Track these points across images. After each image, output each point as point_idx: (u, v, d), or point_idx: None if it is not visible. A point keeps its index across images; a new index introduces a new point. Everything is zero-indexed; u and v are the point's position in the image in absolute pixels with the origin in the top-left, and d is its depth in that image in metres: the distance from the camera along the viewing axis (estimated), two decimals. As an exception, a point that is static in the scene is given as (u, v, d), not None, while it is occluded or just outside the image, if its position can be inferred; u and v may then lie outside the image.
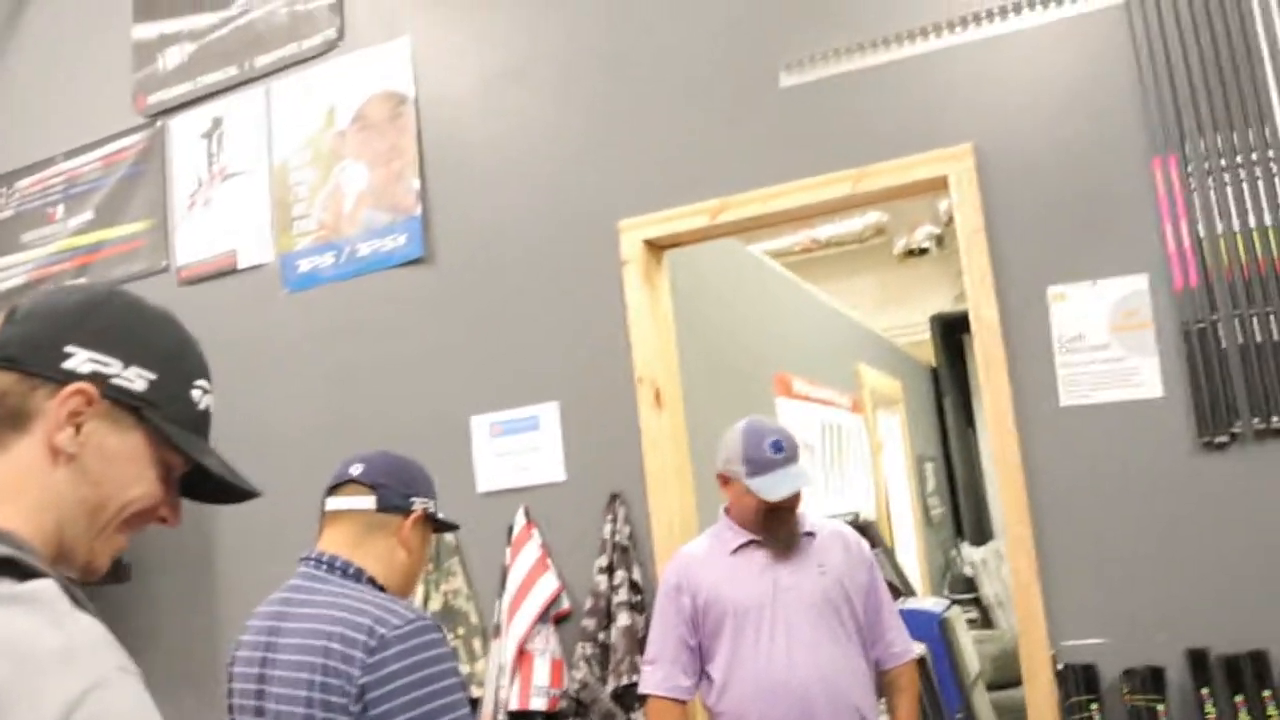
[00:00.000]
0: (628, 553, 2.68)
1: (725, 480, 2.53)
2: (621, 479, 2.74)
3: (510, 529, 2.81)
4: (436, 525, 1.90)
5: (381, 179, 3.19)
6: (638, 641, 2.61)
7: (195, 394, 1.08)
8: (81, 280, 3.71)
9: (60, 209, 3.83)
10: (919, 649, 2.64)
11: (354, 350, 3.17)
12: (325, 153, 3.30)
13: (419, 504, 1.83)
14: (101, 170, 3.74)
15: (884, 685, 2.57)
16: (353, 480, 1.85)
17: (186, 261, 3.51)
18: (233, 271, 3.41)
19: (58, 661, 0.83)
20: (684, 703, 2.50)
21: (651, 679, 2.48)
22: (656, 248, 2.87)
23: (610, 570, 2.67)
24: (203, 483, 1.10)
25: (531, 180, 2.97)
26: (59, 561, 0.99)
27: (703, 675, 2.55)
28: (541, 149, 2.97)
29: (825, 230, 7.05)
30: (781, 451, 2.47)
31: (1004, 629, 5.22)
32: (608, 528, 2.70)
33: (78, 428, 0.99)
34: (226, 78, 3.51)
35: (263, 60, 3.44)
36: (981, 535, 6.91)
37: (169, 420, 1.04)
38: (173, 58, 3.63)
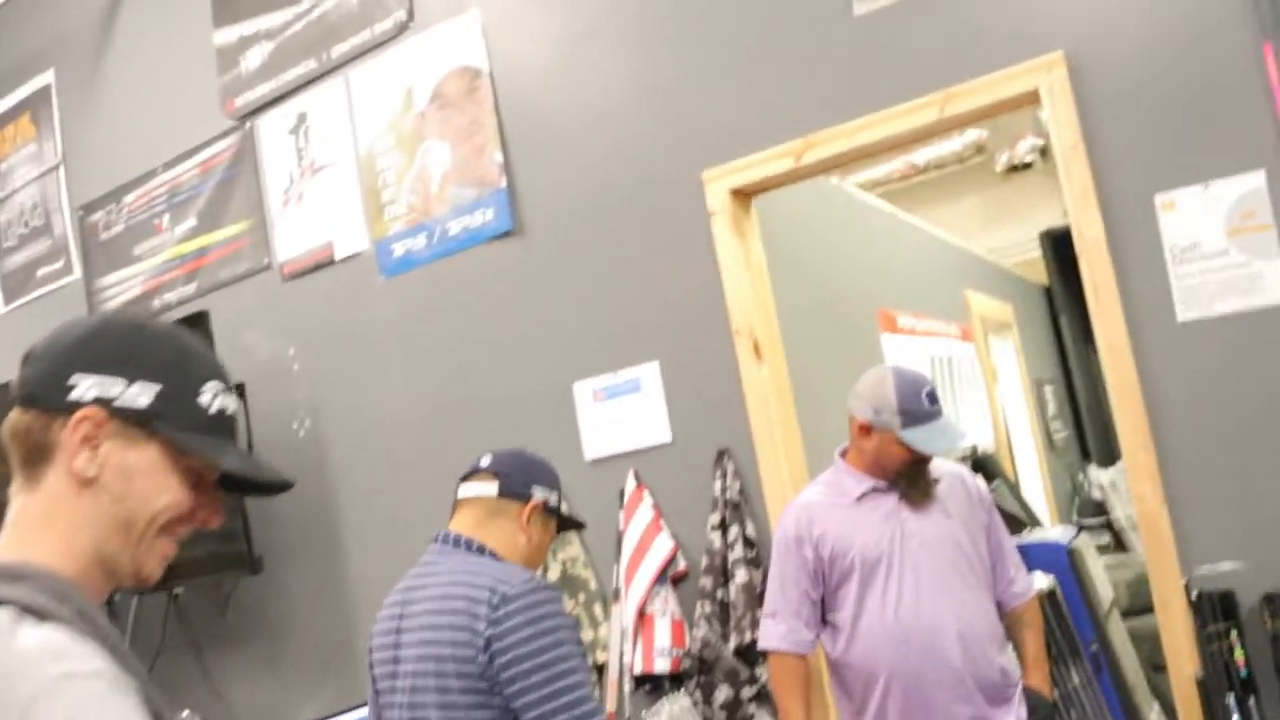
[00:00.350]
0: (740, 509, 2.67)
1: (867, 430, 2.46)
2: (728, 434, 2.72)
3: (622, 493, 2.83)
4: (561, 522, 2.04)
5: (464, 155, 3.20)
6: (756, 597, 2.60)
7: (204, 398, 1.11)
8: (191, 286, 3.84)
9: (166, 218, 3.96)
10: (1044, 582, 2.58)
11: (454, 329, 3.21)
12: (407, 135, 3.33)
13: (538, 493, 1.97)
14: (200, 177, 3.85)
15: (1009, 624, 2.52)
16: (481, 470, 2.02)
17: (287, 257, 3.59)
18: (331, 263, 3.48)
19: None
20: (806, 656, 2.49)
21: (774, 633, 2.47)
22: (743, 195, 2.82)
23: (724, 527, 2.66)
24: (240, 479, 1.14)
25: (612, 140, 2.95)
26: (106, 576, 1.06)
27: (824, 625, 2.53)
28: (618, 108, 2.94)
29: (923, 154, 6.84)
30: (936, 403, 2.43)
31: (1138, 552, 5.05)
32: (718, 485, 2.69)
33: (95, 451, 1.05)
34: (306, 71, 3.56)
35: (339, 49, 3.48)
36: (1109, 456, 6.66)
37: (180, 428, 1.08)
38: (254, 58, 3.70)
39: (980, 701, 2.37)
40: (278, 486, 1.18)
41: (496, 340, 3.12)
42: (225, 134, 3.78)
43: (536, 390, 3.00)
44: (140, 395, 1.07)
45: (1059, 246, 6.98)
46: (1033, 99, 2.45)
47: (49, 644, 0.92)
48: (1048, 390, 7.00)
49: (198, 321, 3.44)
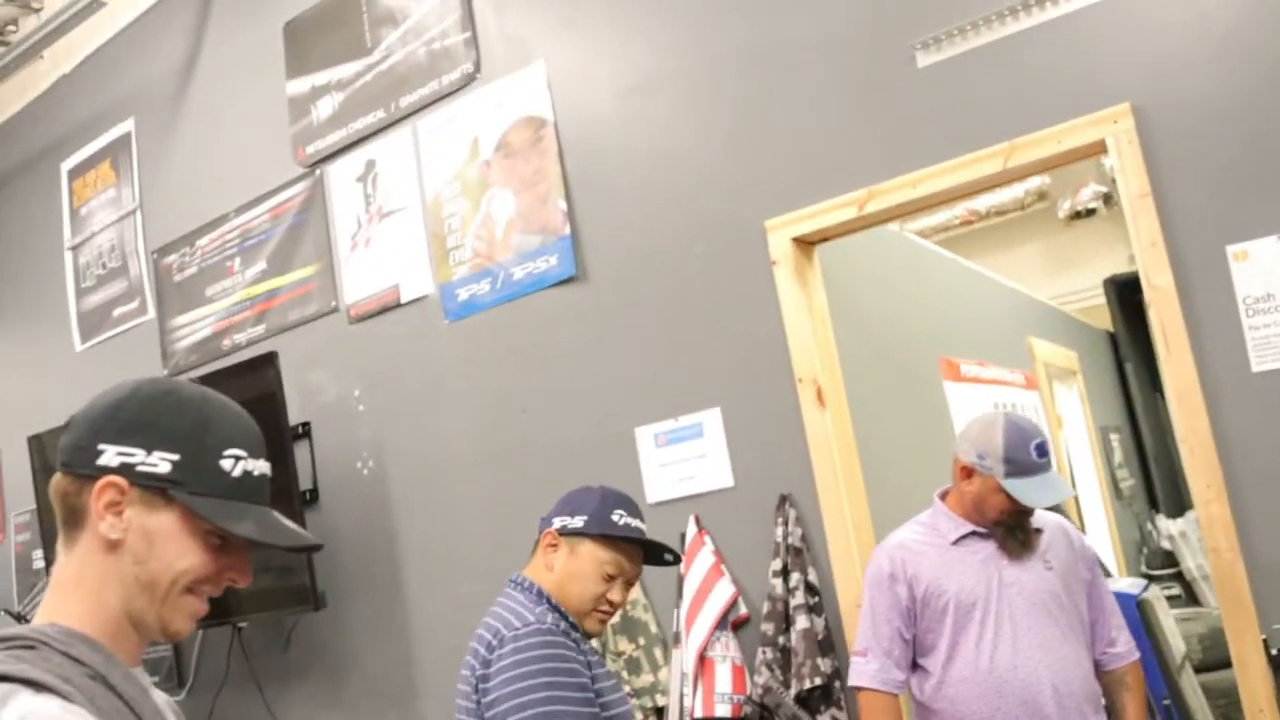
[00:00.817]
0: (801, 555, 2.65)
1: (969, 473, 2.43)
2: (790, 480, 2.72)
3: (683, 537, 2.83)
4: (617, 542, 2.06)
5: (529, 203, 3.26)
6: (818, 644, 2.58)
7: (226, 463, 1.16)
8: (260, 327, 3.93)
9: (237, 261, 4.06)
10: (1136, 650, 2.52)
11: (516, 372, 3.25)
12: (473, 183, 3.39)
13: (556, 522, 2.08)
14: (270, 222, 3.96)
15: (1107, 685, 2.44)
16: None
17: (354, 299, 3.67)
18: (397, 305, 3.55)
19: None
20: (897, 696, 2.44)
21: (865, 671, 2.41)
22: (806, 244, 2.83)
23: (785, 573, 2.65)
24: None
25: (675, 189, 2.98)
26: (137, 631, 1.14)
27: (914, 669, 2.50)
28: (681, 156, 2.98)
29: (984, 200, 6.82)
30: (1045, 456, 2.40)
31: (1210, 605, 4.92)
32: (779, 530, 2.68)
33: (119, 516, 1.12)
34: (375, 120, 3.66)
35: (407, 100, 3.57)
36: (1178, 506, 6.52)
37: (199, 494, 1.14)
38: (325, 108, 3.81)
39: None
40: (306, 548, 1.24)
41: (559, 384, 3.15)
42: (296, 180, 3.88)
43: (599, 434, 3.02)
44: (159, 464, 1.13)
45: (1124, 293, 6.89)
46: (1098, 149, 2.45)
47: (36, 715, 0.97)
48: (1114, 438, 6.88)
49: (267, 362, 3.52)
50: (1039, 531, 2.44)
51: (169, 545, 1.13)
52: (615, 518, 2.03)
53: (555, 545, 2.05)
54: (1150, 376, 7.02)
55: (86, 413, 1.17)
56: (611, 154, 3.11)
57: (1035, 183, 6.76)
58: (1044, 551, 2.42)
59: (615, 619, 2.25)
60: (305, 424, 3.70)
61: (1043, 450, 2.39)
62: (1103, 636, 2.46)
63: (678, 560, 2.18)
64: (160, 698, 1.17)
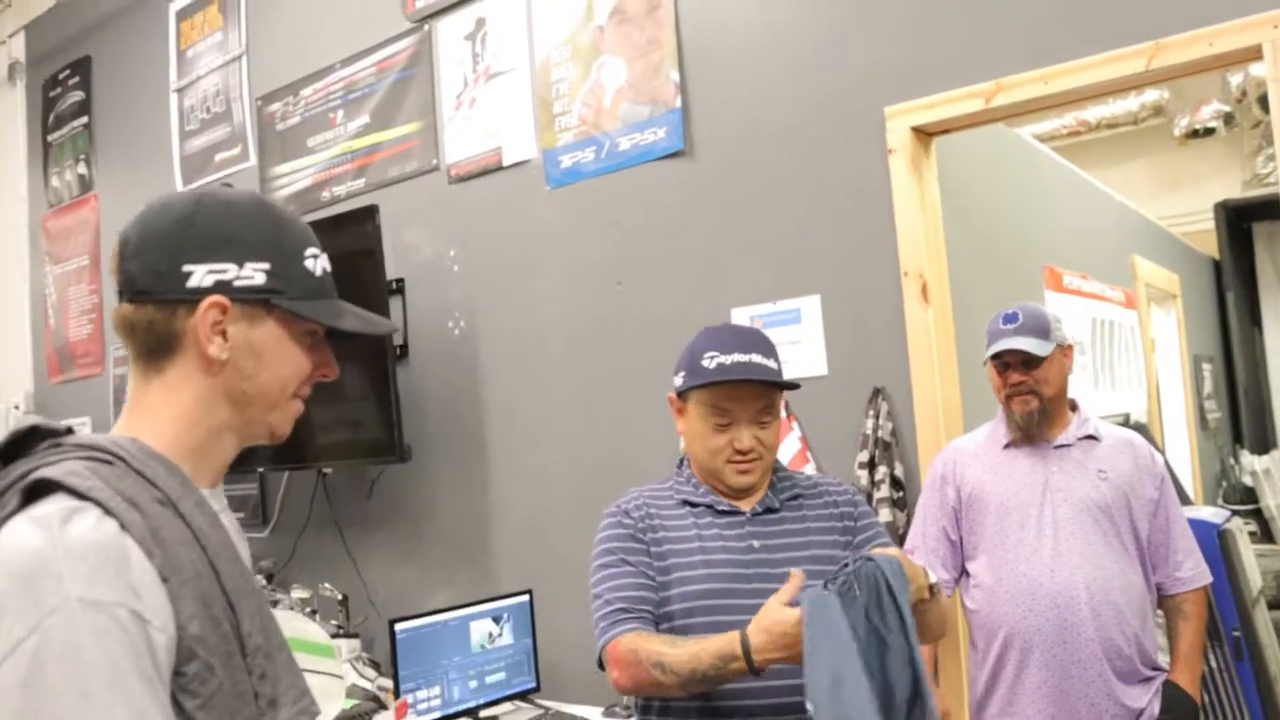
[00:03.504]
0: (890, 448, 2.64)
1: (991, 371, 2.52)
2: (885, 373, 2.69)
3: (770, 422, 2.83)
4: (716, 387, 1.84)
5: (640, 72, 3.19)
6: (899, 537, 2.59)
7: (309, 264, 1.14)
8: (360, 181, 3.95)
9: (340, 114, 4.06)
10: (1209, 578, 2.47)
11: (615, 244, 3.23)
12: (584, 48, 3.33)
13: (676, 383, 1.90)
14: (375, 75, 3.94)
15: (1167, 610, 2.44)
16: None
17: (455, 159, 3.66)
18: (499, 168, 3.53)
19: (23, 583, 0.91)
20: None
21: None
22: (925, 135, 2.74)
23: (872, 465, 2.64)
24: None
25: (793, 68, 2.90)
26: (237, 442, 1.15)
27: (963, 573, 2.52)
28: (803, 35, 2.88)
29: (1096, 111, 6.56)
30: (1013, 321, 2.45)
31: (1290, 542, 4.85)
32: (870, 423, 2.67)
33: (224, 335, 1.09)
34: (488, -22, 3.59)
35: (522, -41, 3.49)
36: (1264, 443, 6.38)
37: (296, 298, 1.12)
38: (437, -39, 3.74)
39: (1107, 672, 2.31)
40: (387, 331, 1.25)
41: (658, 260, 3.13)
42: (403, 35, 3.84)
43: (694, 313, 3.00)
44: (254, 275, 1.10)
45: (1233, 219, 6.64)
46: (1254, 54, 2.31)
47: (91, 551, 0.94)
48: (1205, 368, 6.71)
49: (367, 216, 3.54)
50: (1092, 439, 2.43)
51: (277, 354, 1.13)
52: (705, 362, 1.81)
53: (678, 409, 1.92)
54: (1251, 309, 6.81)
55: (151, 234, 1.11)
56: (729, 27, 3.02)
57: (1153, 96, 6.48)
58: (1101, 462, 2.41)
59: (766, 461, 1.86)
60: (400, 280, 3.74)
61: (1010, 318, 2.47)
62: (1167, 558, 2.42)
63: (793, 386, 1.88)
64: (229, 521, 1.16)
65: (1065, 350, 2.51)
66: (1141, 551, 2.40)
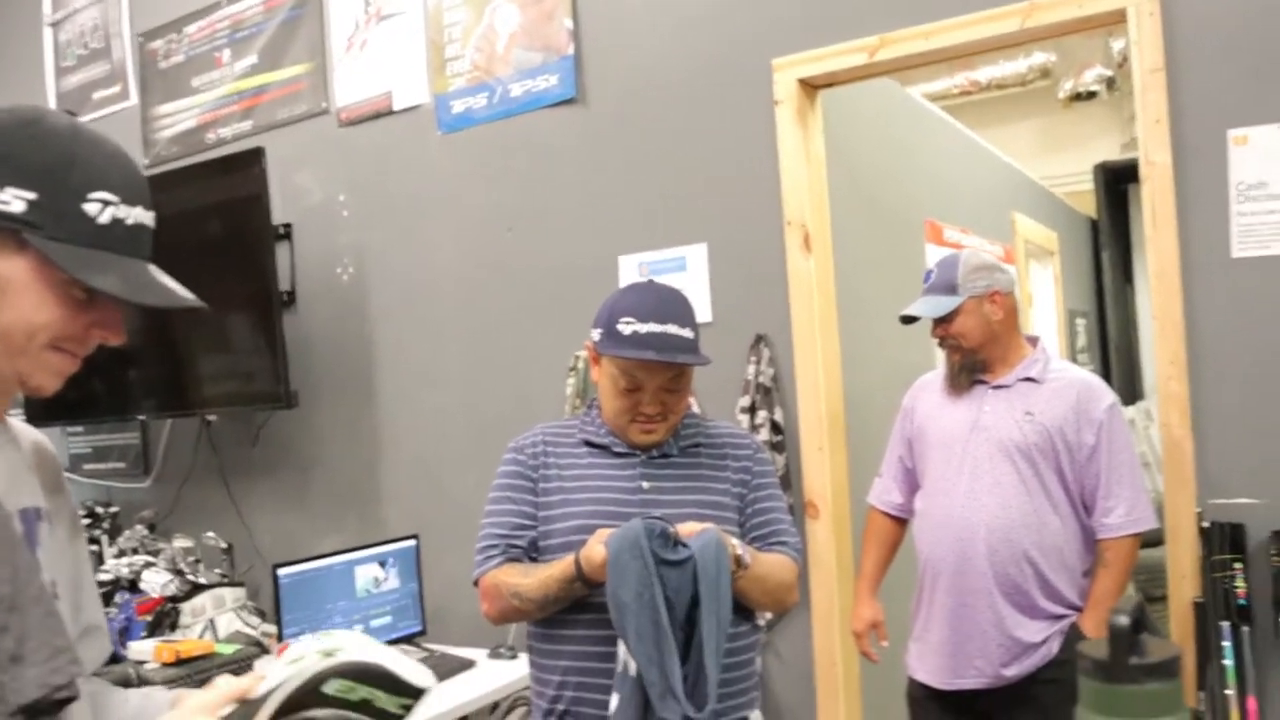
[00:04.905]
0: (770, 394, 2.72)
1: None
2: (767, 321, 2.76)
3: (656, 368, 2.88)
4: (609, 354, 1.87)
5: (533, 18, 3.18)
6: (780, 480, 2.67)
7: (91, 207, 1.01)
8: (247, 123, 3.85)
9: (226, 53, 3.95)
10: (1146, 525, 2.46)
11: (505, 191, 3.23)
12: (477, -8, 3.30)
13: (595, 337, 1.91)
14: (264, 14, 3.83)
15: (1096, 555, 2.47)
16: None
17: (346, 103, 3.60)
18: (389, 113, 3.49)
19: None
20: (894, 518, 2.71)
21: (873, 490, 2.75)
22: (811, 87, 2.80)
23: (752, 410, 2.72)
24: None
25: (685, 18, 2.92)
26: None
27: None
28: (693, -15, 2.91)
29: (986, 72, 6.72)
30: (927, 280, 2.59)
31: (1149, 489, 5.13)
32: (751, 369, 2.74)
33: None
34: (379, -84, 3.51)
35: (415, -102, 3.43)
36: (1132, 394, 6.70)
37: (58, 240, 0.99)
38: (327, -103, 3.65)
39: (999, 604, 2.41)
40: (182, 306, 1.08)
41: (547, 206, 3.14)
42: (293, -28, 3.74)
43: (582, 259, 3.03)
44: (12, 201, 0.98)
45: (1112, 181, 6.89)
46: (1118, 18, 2.41)
47: None
48: (1080, 323, 6.99)
49: (253, 159, 3.46)
50: (1032, 380, 2.50)
51: (23, 296, 1.00)
52: (622, 327, 1.81)
53: (593, 358, 1.92)
54: (1124, 266, 7.10)
55: None
56: (622, -25, 3.03)
57: (1040, 59, 6.66)
58: (1037, 403, 2.47)
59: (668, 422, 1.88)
60: (287, 225, 3.68)
61: (926, 276, 2.61)
62: (1097, 505, 2.43)
63: (705, 362, 1.86)
64: (28, 442, 1.08)
65: (987, 298, 2.53)
66: (1070, 495, 2.44)
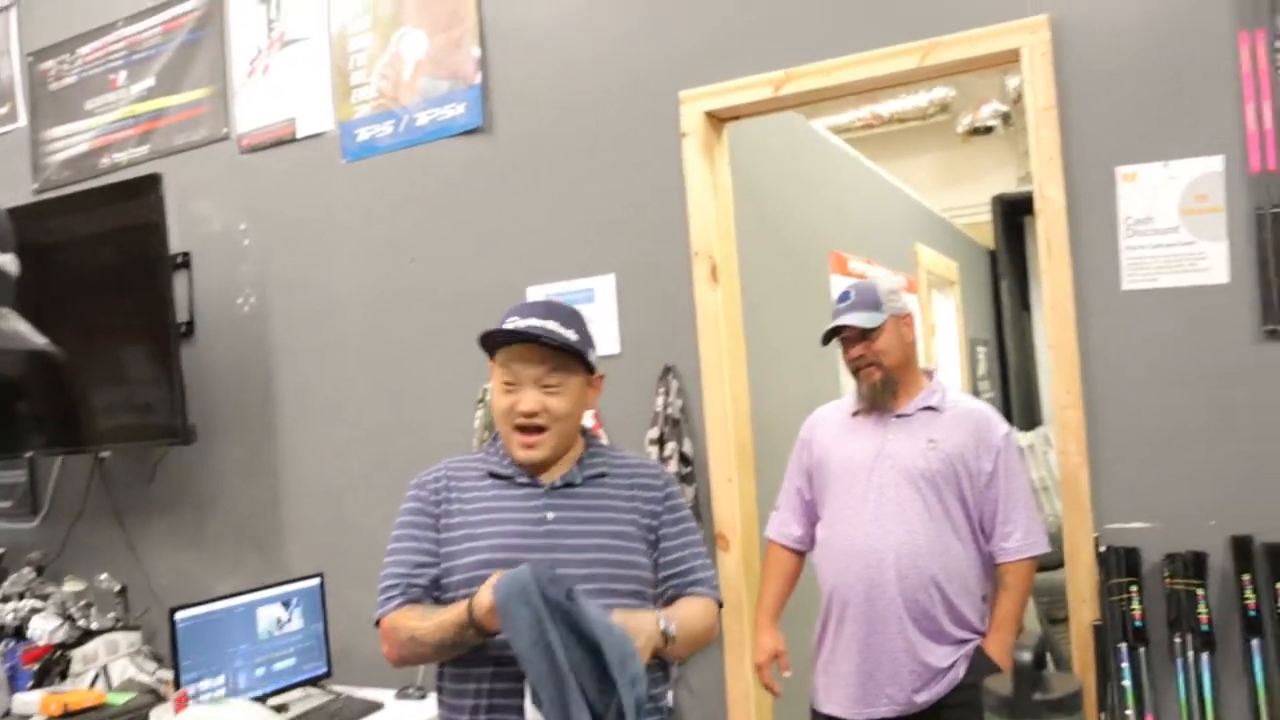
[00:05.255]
0: (679, 425, 2.72)
1: None
2: (675, 352, 2.77)
3: (565, 400, 2.86)
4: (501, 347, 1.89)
5: (440, 46, 3.16)
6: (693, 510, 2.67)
7: None
8: (144, 148, 3.75)
9: (122, 75, 3.84)
10: (1041, 549, 2.52)
11: (411, 219, 3.19)
12: (384, 19, 3.27)
13: None
14: (162, 36, 3.74)
15: (995, 579, 2.52)
16: None
17: (247, 129, 3.52)
18: (292, 140, 3.42)
19: None
20: (794, 551, 2.69)
21: (770, 524, 2.73)
22: (717, 120, 2.83)
23: (661, 442, 2.72)
24: None
25: (592, 50, 2.93)
26: None
27: None
28: (602, 18, 2.92)
29: (888, 106, 6.89)
30: (845, 300, 2.59)
31: (1046, 513, 5.26)
32: (660, 400, 2.74)
33: None
34: (283, -61, 3.46)
35: (318, -79, 3.38)
36: (1030, 420, 6.89)
37: None
38: (228, -82, 3.58)
39: (909, 631, 2.43)
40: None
41: (454, 236, 3.11)
42: (192, -6, 3.66)
43: (489, 289, 3.00)
44: None
45: (1009, 213, 7.11)
46: (1012, 58, 2.49)
47: None
48: (980, 350, 7.18)
49: (149, 185, 3.36)
50: (933, 409, 2.55)
51: None
52: (505, 324, 1.85)
53: (492, 372, 1.92)
54: (1022, 295, 7.31)
55: None
56: (531, 5, 3.02)
57: (940, 94, 6.85)
58: (938, 430, 2.52)
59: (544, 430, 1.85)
60: (186, 254, 3.58)
61: (843, 296, 2.62)
62: (995, 530, 2.49)
63: (573, 350, 1.84)
64: None
65: (902, 319, 2.60)
66: (971, 521, 2.49)
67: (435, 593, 1.84)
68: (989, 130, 6.86)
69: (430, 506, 1.89)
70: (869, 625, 2.46)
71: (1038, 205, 2.44)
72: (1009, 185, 7.15)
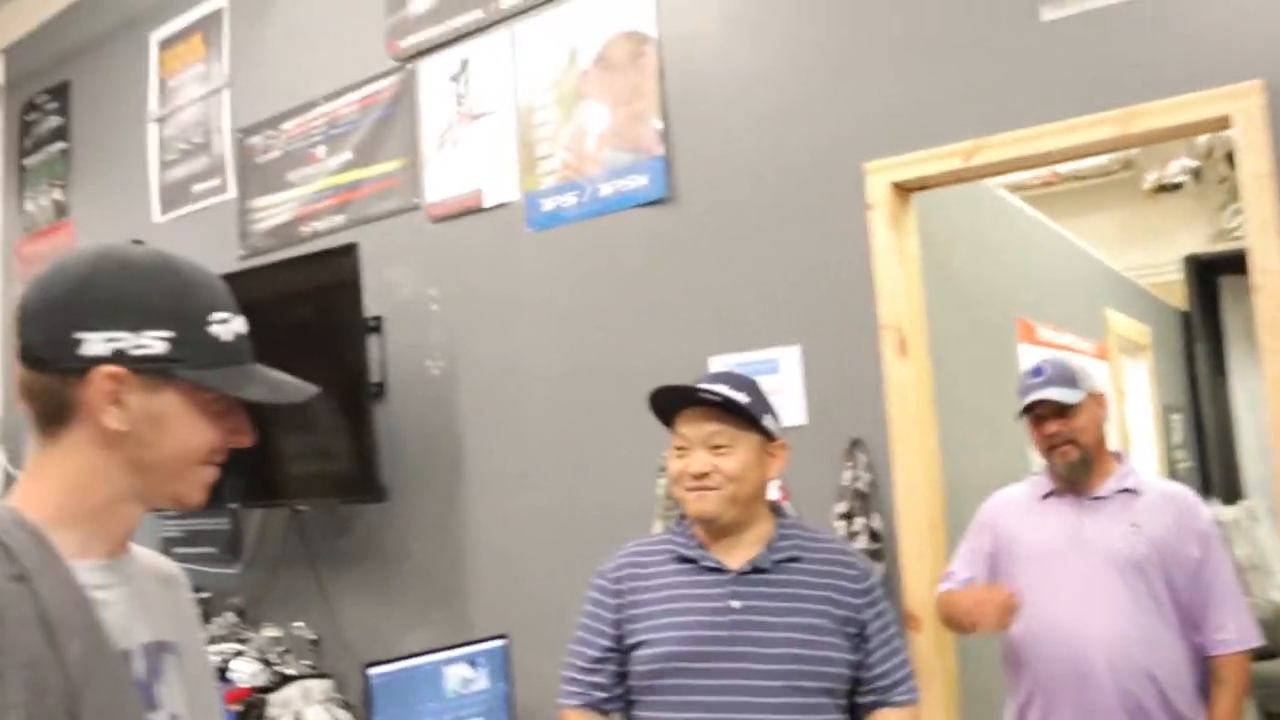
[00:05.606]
0: (867, 500, 2.66)
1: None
2: (863, 425, 2.71)
3: (747, 470, 2.84)
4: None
5: (623, 119, 3.23)
6: (879, 592, 2.60)
7: (214, 329, 1.09)
8: (340, 217, 3.95)
9: (322, 149, 4.07)
10: (1257, 641, 2.39)
11: (596, 290, 3.25)
12: (568, 93, 3.36)
13: None
14: (359, 112, 3.95)
15: (1209, 673, 2.38)
16: None
17: (436, 199, 3.67)
18: (479, 210, 3.55)
19: None
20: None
21: (944, 583, 2.58)
22: (904, 190, 2.78)
23: (849, 517, 2.66)
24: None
25: (776, 120, 2.94)
26: (137, 511, 1.09)
27: None
28: (787, 87, 2.93)
29: (1069, 164, 6.67)
30: (1039, 375, 2.50)
31: (1257, 595, 4.90)
32: (847, 474, 2.69)
33: (121, 405, 1.04)
34: (473, 20, 3.61)
35: (507, 2, 3.52)
36: (1232, 493, 6.46)
37: (199, 367, 1.07)
38: (421, 2, 3.77)
39: None
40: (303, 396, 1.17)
41: (638, 306, 3.15)
42: (387, 73, 3.86)
43: (673, 360, 3.02)
44: (153, 344, 1.05)
45: (1202, 272, 6.75)
46: (1221, 124, 2.37)
47: None
48: (1175, 418, 6.80)
49: (347, 252, 3.54)
50: (1131, 492, 2.44)
51: (178, 424, 1.07)
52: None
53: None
54: (1217, 360, 6.90)
55: (45, 298, 1.05)
56: (712, 78, 3.06)
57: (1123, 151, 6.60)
58: (1139, 515, 2.40)
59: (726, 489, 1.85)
60: (378, 318, 3.74)
61: (1036, 371, 2.52)
62: (1207, 620, 2.36)
63: (740, 410, 1.87)
64: (160, 573, 1.12)
65: (1097, 398, 2.53)
66: (1180, 609, 2.37)
67: (619, 687, 1.86)
68: (1177, 187, 6.56)
69: (609, 599, 1.90)
70: (1083, 718, 2.33)
71: (1256, 280, 2.30)
72: (1200, 244, 6.79)
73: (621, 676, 1.87)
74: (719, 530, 1.87)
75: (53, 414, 1.05)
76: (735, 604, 1.81)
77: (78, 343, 1.03)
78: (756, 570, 1.84)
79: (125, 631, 1.06)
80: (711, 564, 1.86)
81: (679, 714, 1.79)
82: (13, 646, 0.92)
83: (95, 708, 0.96)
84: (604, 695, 1.88)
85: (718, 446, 1.85)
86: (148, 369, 1.05)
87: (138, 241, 1.16)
